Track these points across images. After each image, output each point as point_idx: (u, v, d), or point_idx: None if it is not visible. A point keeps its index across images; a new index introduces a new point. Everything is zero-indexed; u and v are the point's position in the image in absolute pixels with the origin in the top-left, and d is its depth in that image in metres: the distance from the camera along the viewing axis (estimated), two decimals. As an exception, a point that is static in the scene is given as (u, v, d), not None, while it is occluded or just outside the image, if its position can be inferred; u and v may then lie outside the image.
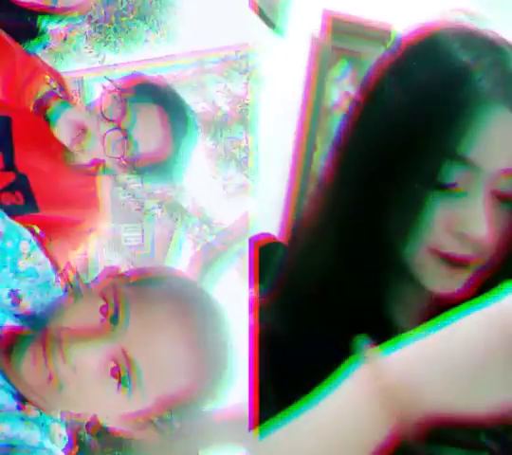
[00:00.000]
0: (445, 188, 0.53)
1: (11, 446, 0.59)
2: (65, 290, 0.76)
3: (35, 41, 1.28)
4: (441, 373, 0.37)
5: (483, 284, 0.56)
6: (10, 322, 0.68)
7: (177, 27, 5.25)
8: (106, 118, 1.02)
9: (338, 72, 2.74)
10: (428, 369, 0.38)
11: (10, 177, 1.11)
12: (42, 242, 1.20)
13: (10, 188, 1.12)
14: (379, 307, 0.57)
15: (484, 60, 0.51)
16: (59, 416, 0.68)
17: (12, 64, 1.01)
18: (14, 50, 1.03)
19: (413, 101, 0.52)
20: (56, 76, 1.14)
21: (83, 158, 1.13)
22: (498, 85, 0.50)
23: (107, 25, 4.65)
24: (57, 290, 0.75)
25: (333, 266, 0.58)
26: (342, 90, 2.73)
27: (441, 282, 0.56)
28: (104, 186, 1.24)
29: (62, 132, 0.98)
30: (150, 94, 1.09)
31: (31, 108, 0.99)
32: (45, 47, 1.17)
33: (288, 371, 0.53)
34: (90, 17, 4.47)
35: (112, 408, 0.65)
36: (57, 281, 0.75)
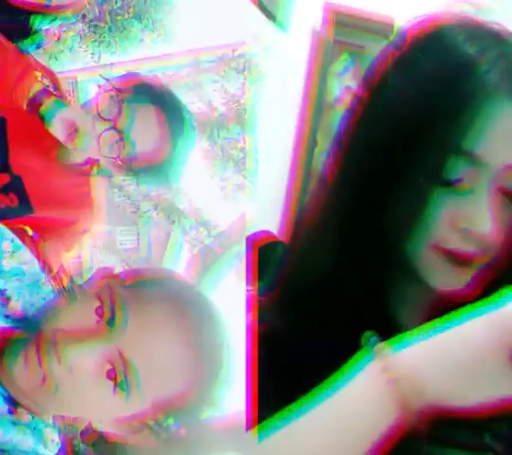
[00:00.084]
0: (450, 184, 0.52)
1: (3, 451, 0.59)
2: (58, 292, 0.76)
3: (28, 40, 1.28)
4: (442, 369, 0.42)
5: (488, 283, 0.56)
6: (1, 324, 0.67)
7: (173, 25, 5.26)
8: (102, 118, 1.02)
9: (340, 66, 2.74)
10: (431, 365, 0.43)
11: (5, 179, 1.11)
12: (34, 243, 1.20)
13: (5, 189, 1.11)
14: (383, 305, 0.57)
15: (489, 52, 0.51)
16: (51, 421, 0.68)
17: (4, 62, 1.01)
18: (6, 48, 1.03)
19: (418, 95, 0.51)
20: (49, 74, 1.14)
21: (78, 157, 1.12)
22: (504, 78, 0.50)
23: (102, 24, 4.66)
24: (47, 290, 0.75)
25: (335, 264, 0.57)
26: (344, 85, 2.73)
27: (444, 279, 0.56)
28: (99, 186, 1.24)
29: (57, 130, 0.98)
30: (147, 94, 1.09)
31: (25, 106, 0.99)
32: (38, 47, 1.17)
33: (289, 370, 0.52)
34: (84, 16, 4.47)
35: (107, 410, 0.65)
36: (47, 281, 0.74)
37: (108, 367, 0.59)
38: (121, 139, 1.03)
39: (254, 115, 2.37)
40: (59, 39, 4.75)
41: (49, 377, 0.58)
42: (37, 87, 0.99)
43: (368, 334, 0.49)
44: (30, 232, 1.18)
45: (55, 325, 0.60)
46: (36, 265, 0.76)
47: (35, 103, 0.98)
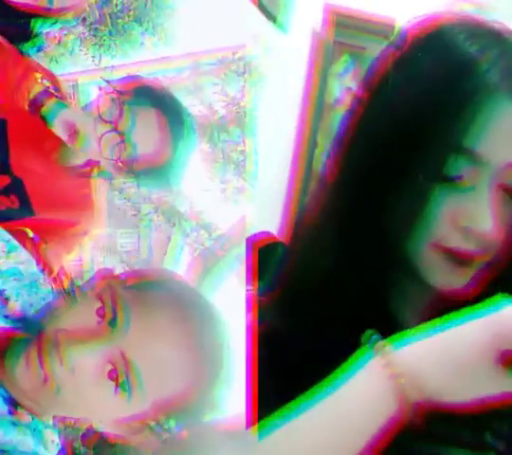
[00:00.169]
0: (450, 181, 0.53)
1: (3, 452, 0.59)
2: (59, 293, 0.76)
3: (29, 43, 1.29)
4: (439, 367, 0.45)
5: (488, 282, 0.56)
6: (1, 324, 0.67)
7: (174, 29, 5.27)
8: (103, 120, 1.02)
9: (340, 67, 2.75)
10: (429, 363, 0.45)
11: (5, 180, 1.11)
12: (34, 245, 1.20)
13: (5, 191, 1.12)
14: (383, 304, 0.57)
15: (490, 51, 0.51)
16: (52, 422, 0.68)
17: (5, 64, 1.01)
18: (6, 50, 1.03)
19: (419, 94, 0.52)
20: (50, 77, 1.14)
21: (78, 159, 1.13)
22: (505, 77, 0.50)
23: (102, 27, 4.66)
24: (46, 290, 0.75)
25: (335, 263, 0.58)
26: (345, 86, 2.74)
27: (445, 278, 0.56)
28: (99, 188, 1.24)
29: (58, 131, 0.98)
30: (148, 97, 1.09)
31: (26, 107, 0.99)
32: (39, 50, 1.17)
33: (289, 369, 0.52)
34: (84, 19, 4.48)
35: (108, 411, 0.65)
36: (45, 281, 0.74)
37: (110, 367, 0.60)
38: (122, 141, 1.04)
39: (254, 117, 2.37)
40: (59, 42, 4.76)
41: (51, 378, 0.58)
42: (38, 89, 0.99)
43: (369, 332, 0.50)
44: (31, 234, 1.18)
45: (56, 326, 0.60)
46: (33, 265, 0.76)
47: (36, 104, 0.99)
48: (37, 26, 1.22)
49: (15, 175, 1.11)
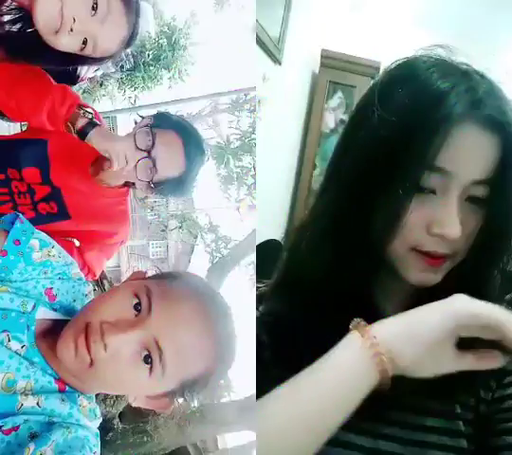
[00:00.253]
0: (425, 194, 0.53)
1: (54, 423, 0.59)
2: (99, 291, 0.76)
3: (76, 86, 1.31)
4: (410, 346, 0.47)
5: (458, 279, 0.56)
6: (48, 314, 0.68)
7: (195, 74, 5.36)
8: (139, 148, 1.04)
9: (334, 103, 2.79)
10: (402, 342, 0.47)
11: (46, 190, 1.13)
12: (80, 253, 1.21)
13: (46, 199, 1.13)
14: (369, 297, 0.57)
15: (458, 88, 0.51)
16: (94, 398, 0.68)
17: (52, 100, 1.02)
18: (53, 88, 1.04)
19: (399, 122, 0.52)
20: (93, 111, 1.15)
21: (118, 181, 1.14)
22: (470, 109, 0.51)
23: (137, 73, 4.75)
24: (86, 288, 0.75)
25: (325, 262, 0.58)
26: (338, 118, 2.77)
27: (421, 276, 0.56)
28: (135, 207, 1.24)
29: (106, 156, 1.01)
30: (166, 121, 1.11)
31: (74, 135, 1.01)
32: (84, 92, 1.18)
33: (288, 355, 0.52)
34: (122, 67, 4.57)
35: (143, 389, 0.65)
36: (75, 274, 0.74)
37: (145, 353, 0.60)
38: (154, 166, 1.05)
39: (262, 147, 2.39)
40: (101, 85, 4.84)
41: (96, 362, 0.59)
42: (82, 121, 1.01)
43: (357, 320, 0.50)
44: (77, 243, 1.19)
45: (100, 318, 0.60)
46: (75, 267, 0.76)
47: (83, 133, 1.01)
48: (83, 71, 1.24)
49: (54, 185, 1.12)
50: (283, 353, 0.52)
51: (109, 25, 0.94)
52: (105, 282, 2.99)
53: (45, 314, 0.68)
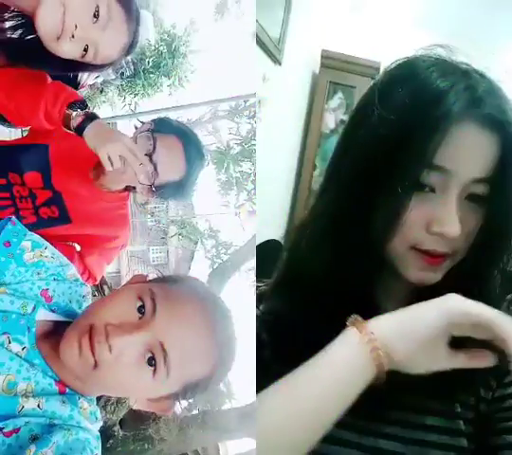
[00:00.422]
0: (424, 192, 0.53)
1: (54, 425, 0.59)
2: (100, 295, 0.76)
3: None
4: (404, 343, 0.48)
5: (458, 277, 0.56)
6: (48, 316, 0.68)
7: (195, 81, 5.38)
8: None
9: (334, 103, 2.80)
10: (397, 338, 0.48)
11: (48, 194, 1.13)
12: (81, 257, 1.21)
13: (48, 203, 1.14)
14: (370, 296, 0.57)
15: (457, 86, 0.52)
16: (95, 401, 0.68)
17: (45, 102, 1.02)
18: (46, 88, 1.03)
19: (398, 120, 0.52)
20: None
21: (118, 185, 1.15)
22: (468, 107, 0.51)
23: (137, 80, 4.78)
24: (76, 284, 0.75)
25: (328, 261, 0.57)
26: (339, 118, 2.78)
27: (421, 275, 0.56)
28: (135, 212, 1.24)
29: (105, 162, 0.98)
30: (167, 126, 1.12)
31: (72, 132, 1.00)
32: (84, 98, 1.19)
33: (288, 354, 0.52)
34: (122, 74, 4.59)
35: (145, 391, 0.65)
36: (71, 275, 0.74)
37: (149, 355, 0.60)
38: (155, 170, 1.06)
39: (262, 152, 2.39)
40: (101, 92, 4.87)
41: (100, 364, 0.59)
42: (77, 120, 0.99)
43: (354, 316, 0.51)
44: (78, 248, 1.20)
45: (105, 320, 0.60)
46: (71, 268, 0.76)
47: (82, 129, 0.99)
48: (83, 78, 1.25)
49: (56, 190, 1.13)
50: (284, 351, 0.52)
51: (110, 32, 0.95)
52: (105, 287, 2.99)
53: (45, 315, 0.68)
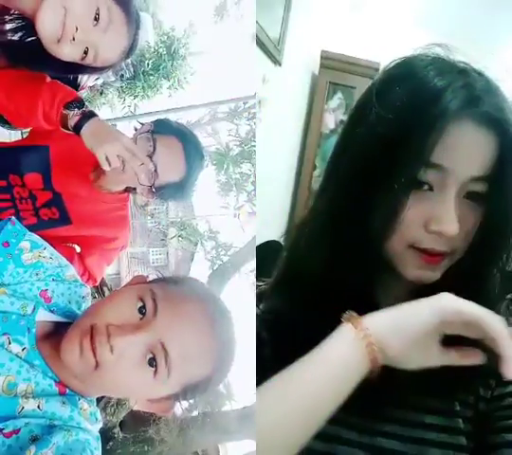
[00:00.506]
0: (422, 191, 0.53)
1: (54, 426, 0.59)
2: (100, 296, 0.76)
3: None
4: (398, 339, 0.48)
5: (456, 276, 0.56)
6: (48, 316, 0.68)
7: (195, 83, 5.39)
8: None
9: (334, 104, 2.80)
10: (391, 334, 0.49)
11: (48, 196, 1.13)
12: (81, 258, 1.21)
13: (48, 204, 1.14)
14: (370, 294, 0.57)
15: (454, 84, 0.52)
16: (95, 402, 0.68)
17: (43, 103, 1.02)
18: (43, 89, 1.03)
19: (396, 119, 0.53)
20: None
21: (118, 186, 1.15)
22: (465, 105, 0.51)
23: (137, 82, 4.78)
24: (76, 285, 0.74)
25: (327, 259, 0.58)
26: (338, 119, 2.78)
27: (420, 274, 0.56)
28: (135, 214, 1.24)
29: (103, 162, 0.98)
30: (167, 127, 1.12)
31: (71, 131, 0.99)
32: (84, 99, 1.19)
33: (288, 352, 0.52)
34: (122, 76, 4.60)
35: (145, 392, 0.65)
36: (70, 276, 0.74)
37: (150, 355, 0.60)
38: (155, 171, 1.06)
39: (262, 153, 2.39)
40: (101, 94, 4.87)
41: (101, 365, 0.59)
42: (74, 120, 0.98)
43: (349, 312, 0.51)
44: (78, 250, 1.20)
45: (106, 320, 0.60)
46: (70, 269, 0.76)
47: (78, 127, 0.98)
48: (83, 80, 1.25)
49: (56, 191, 1.13)
50: (284, 349, 0.52)
51: (111, 34, 0.95)
52: (105, 289, 2.99)
53: (44, 316, 0.68)
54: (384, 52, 0.68)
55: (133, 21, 0.99)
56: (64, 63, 0.98)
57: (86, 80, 1.29)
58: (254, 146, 4.41)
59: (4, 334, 0.63)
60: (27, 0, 0.92)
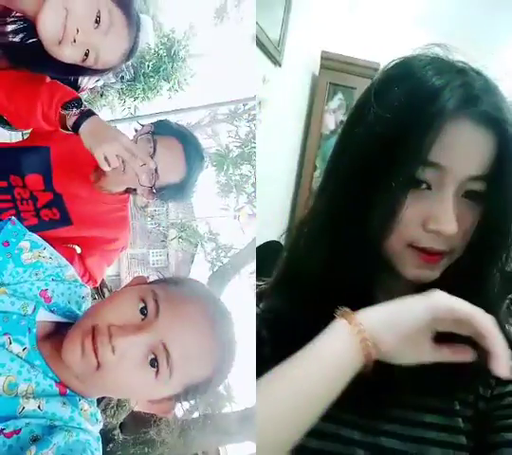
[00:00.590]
0: (420, 189, 0.53)
1: (55, 426, 0.59)
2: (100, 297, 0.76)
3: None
4: (392, 334, 0.49)
5: (455, 275, 0.56)
6: (49, 316, 0.68)
7: (195, 85, 5.40)
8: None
9: (334, 104, 2.80)
10: (384, 329, 0.49)
11: (49, 196, 1.14)
12: (82, 259, 1.21)
13: (49, 205, 1.14)
14: (370, 294, 0.57)
15: (452, 83, 0.52)
16: (95, 402, 0.68)
17: (42, 103, 1.01)
18: (41, 89, 1.03)
19: (394, 117, 0.53)
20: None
21: (119, 187, 1.15)
22: (463, 104, 0.51)
23: (137, 84, 4.79)
24: (76, 285, 0.74)
25: (326, 258, 0.58)
26: (339, 119, 2.78)
27: (419, 273, 0.56)
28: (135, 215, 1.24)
29: (102, 163, 0.97)
30: (167, 129, 1.13)
31: (70, 130, 0.99)
32: (84, 102, 1.19)
33: (288, 351, 0.52)
34: (122, 77, 4.61)
35: (147, 393, 0.65)
36: (70, 276, 0.74)
37: (152, 356, 0.60)
38: (156, 172, 1.07)
39: (262, 154, 2.39)
40: (102, 95, 4.88)
41: (103, 365, 0.59)
42: (72, 119, 0.98)
43: (343, 309, 0.51)
44: (79, 251, 1.20)
45: (108, 321, 0.60)
46: (70, 269, 0.76)
47: (77, 126, 0.98)
48: (84, 82, 1.25)
49: (57, 192, 1.13)
50: (284, 349, 0.53)
51: (111, 37, 0.95)
52: (105, 290, 2.99)
53: (45, 316, 0.68)
54: (384, 53, 0.68)
55: (133, 24, 0.99)
56: (64, 64, 0.98)
57: (87, 81, 1.29)
58: (254, 148, 4.42)
59: (5, 334, 0.63)
60: (29, 1, 0.92)
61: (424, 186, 0.54)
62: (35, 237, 0.76)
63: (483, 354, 0.47)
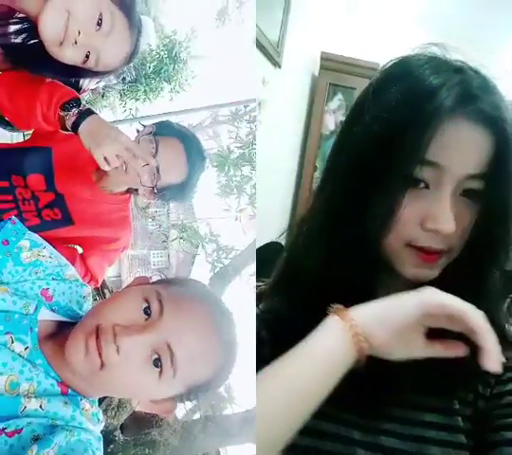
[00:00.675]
0: (417, 188, 0.53)
1: (56, 426, 0.59)
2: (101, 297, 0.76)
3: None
4: (383, 329, 0.49)
5: (454, 275, 0.56)
6: (50, 316, 0.68)
7: (196, 87, 5.41)
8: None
9: (334, 105, 2.81)
10: (375, 324, 0.50)
11: (50, 196, 1.14)
12: (83, 259, 1.21)
13: (50, 205, 1.14)
14: (370, 293, 0.57)
15: (450, 82, 0.52)
16: (97, 402, 0.68)
17: (41, 104, 1.01)
18: (40, 90, 1.03)
19: (392, 116, 0.53)
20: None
21: (120, 187, 1.16)
22: (460, 102, 0.51)
23: (138, 85, 4.80)
24: (76, 285, 0.74)
25: (324, 258, 0.58)
26: (339, 120, 2.79)
27: (418, 272, 0.56)
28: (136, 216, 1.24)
29: (101, 163, 0.97)
30: (169, 129, 1.13)
31: (70, 130, 0.99)
32: (85, 103, 1.19)
33: (287, 350, 0.52)
34: (124, 79, 4.62)
35: (149, 393, 0.65)
36: (70, 276, 0.74)
37: (155, 356, 0.60)
38: (157, 172, 1.07)
39: (262, 156, 2.39)
40: (103, 96, 4.89)
41: (107, 365, 0.59)
42: (71, 120, 0.97)
43: (335, 306, 0.52)
44: (80, 251, 1.20)
45: (112, 321, 0.60)
46: (70, 269, 0.76)
47: (76, 125, 0.97)
48: (85, 83, 1.26)
49: (58, 192, 1.14)
50: (283, 349, 0.53)
51: (113, 39, 0.95)
52: (106, 291, 2.99)
53: (46, 315, 0.68)
54: (383, 53, 0.68)
55: (135, 26, 0.99)
56: (65, 66, 0.98)
57: (88, 83, 1.29)
58: (255, 149, 4.42)
59: (6, 333, 0.63)
60: (31, 2, 0.92)
61: (422, 185, 0.54)
62: (35, 236, 0.76)
63: (476, 350, 0.47)
